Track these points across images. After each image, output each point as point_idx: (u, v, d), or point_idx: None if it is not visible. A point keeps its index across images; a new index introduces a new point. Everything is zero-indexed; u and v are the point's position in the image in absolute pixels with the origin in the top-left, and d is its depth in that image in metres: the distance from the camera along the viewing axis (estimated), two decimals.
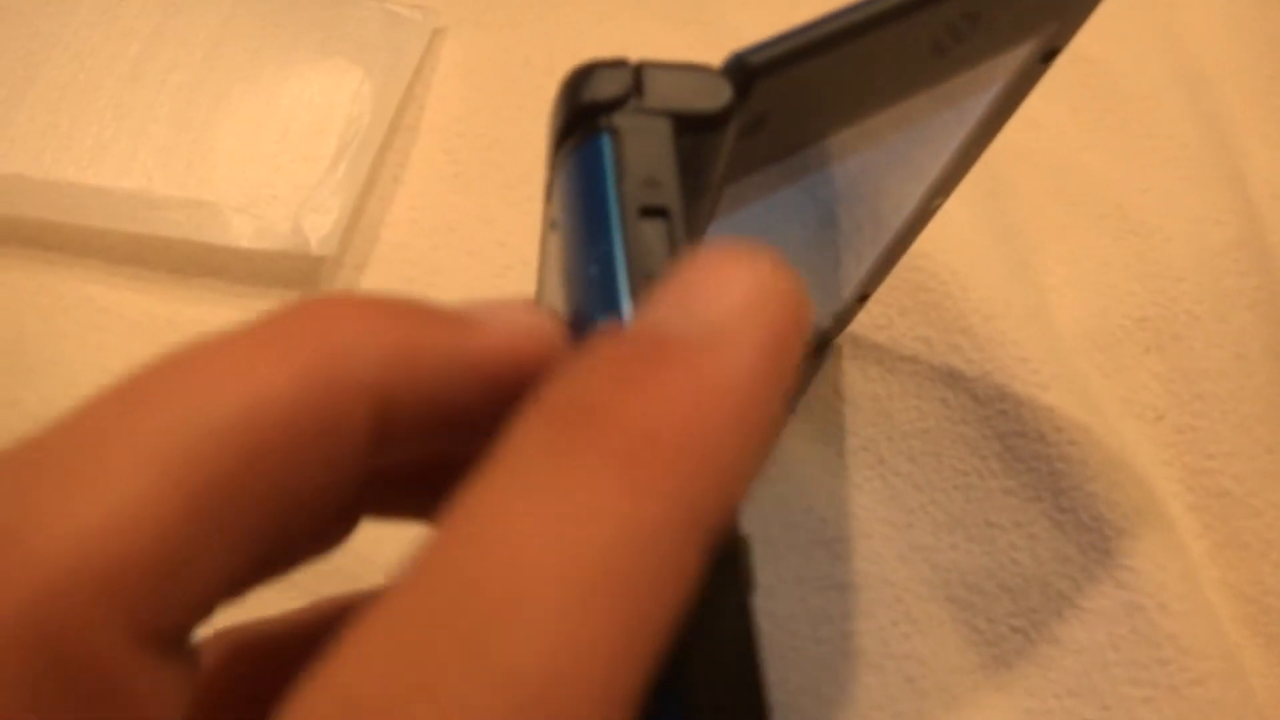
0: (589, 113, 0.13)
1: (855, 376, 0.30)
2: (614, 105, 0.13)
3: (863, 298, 0.29)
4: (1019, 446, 0.28)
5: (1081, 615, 0.26)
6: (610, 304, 0.13)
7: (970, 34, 0.17)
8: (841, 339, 0.31)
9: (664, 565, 0.10)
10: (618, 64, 0.14)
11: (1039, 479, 0.28)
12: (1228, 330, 0.31)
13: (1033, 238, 0.33)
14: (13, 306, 0.29)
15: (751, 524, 0.28)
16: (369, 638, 0.10)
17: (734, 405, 0.11)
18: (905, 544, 0.28)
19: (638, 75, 0.14)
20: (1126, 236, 0.33)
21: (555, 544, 0.10)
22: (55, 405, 0.27)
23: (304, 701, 0.09)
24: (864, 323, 0.30)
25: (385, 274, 0.30)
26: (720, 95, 0.14)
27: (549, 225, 0.15)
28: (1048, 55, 0.20)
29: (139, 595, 0.10)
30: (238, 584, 0.12)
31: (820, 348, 0.30)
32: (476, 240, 0.31)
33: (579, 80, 0.14)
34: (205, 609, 0.11)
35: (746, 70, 0.14)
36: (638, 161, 0.13)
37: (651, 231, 0.13)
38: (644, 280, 0.12)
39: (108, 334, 0.28)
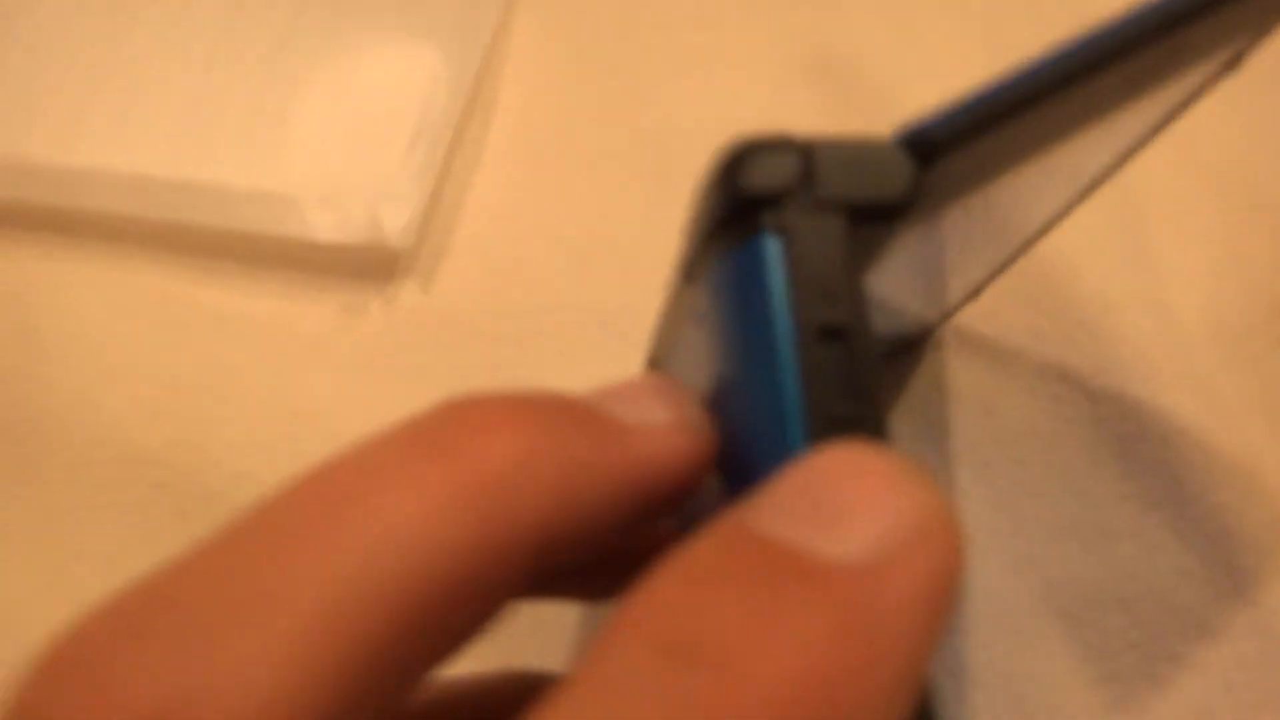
0: (752, 206, 0.11)
1: (959, 371, 0.28)
2: (781, 197, 0.11)
3: (973, 295, 0.27)
4: (1138, 450, 0.26)
5: (1204, 633, 0.25)
6: (779, 445, 0.11)
7: (1166, 66, 0.15)
8: (945, 329, 0.29)
9: None
10: (783, 142, 0.12)
11: (1160, 485, 0.26)
12: None
13: (1155, 216, 0.30)
14: (94, 302, 0.28)
15: None
16: None
17: (892, 661, 0.09)
18: (1013, 554, 0.26)
19: (807, 158, 0.12)
20: (1259, 215, 0.30)
21: None
22: (143, 407, 0.27)
23: None
24: (970, 312, 0.29)
25: (465, 264, 0.29)
26: (901, 178, 0.12)
27: (689, 315, 0.14)
28: (1232, 62, 0.18)
29: None
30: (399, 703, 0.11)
31: (922, 340, 0.29)
32: (557, 225, 0.30)
33: (738, 163, 0.12)
34: None
35: (931, 145, 0.12)
36: (812, 270, 0.11)
37: (828, 357, 0.11)
38: (820, 418, 0.11)
39: (188, 331, 0.28)
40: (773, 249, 0.11)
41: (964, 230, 0.21)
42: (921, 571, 0.09)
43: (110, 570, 0.25)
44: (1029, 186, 0.20)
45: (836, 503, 0.10)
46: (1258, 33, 0.17)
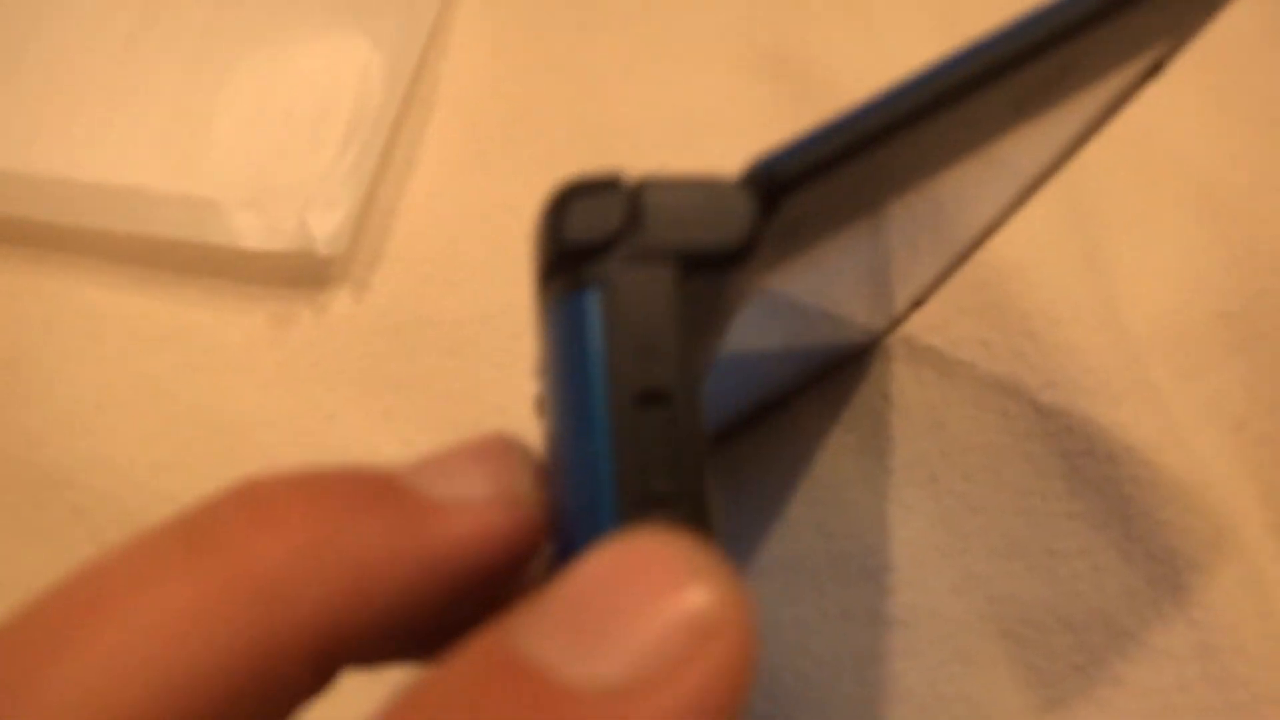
0: (574, 255, 0.11)
1: (907, 382, 0.28)
2: (603, 246, 0.11)
3: (918, 303, 0.26)
4: (1085, 466, 0.26)
5: (1148, 654, 0.25)
6: (589, 526, 0.10)
7: (1060, 81, 0.14)
8: (892, 339, 0.28)
9: None
10: (609, 184, 0.11)
11: (1107, 503, 0.26)
12: None
13: (1107, 221, 0.30)
14: (8, 314, 0.27)
15: (793, 552, 0.26)
16: None
17: None
18: (958, 573, 0.26)
19: (634, 201, 0.11)
20: (1213, 219, 0.30)
21: None
22: (60, 427, 0.26)
23: None
24: (919, 323, 0.28)
25: (400, 271, 0.28)
26: (739, 222, 0.11)
27: (538, 368, 0.13)
28: (1153, 70, 0.17)
29: None
30: None
31: (869, 349, 0.28)
32: (500, 232, 0.29)
33: (560, 208, 0.11)
34: None
35: (774, 184, 0.11)
36: (632, 327, 0.10)
37: (646, 424, 0.10)
38: (632, 495, 0.10)
39: (109, 344, 0.27)
40: (591, 304, 0.11)
41: (912, 234, 0.21)
42: (691, 685, 0.09)
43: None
44: (970, 185, 0.19)
45: (602, 616, 0.09)
46: (1174, 42, 0.16)
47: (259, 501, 0.11)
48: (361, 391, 0.27)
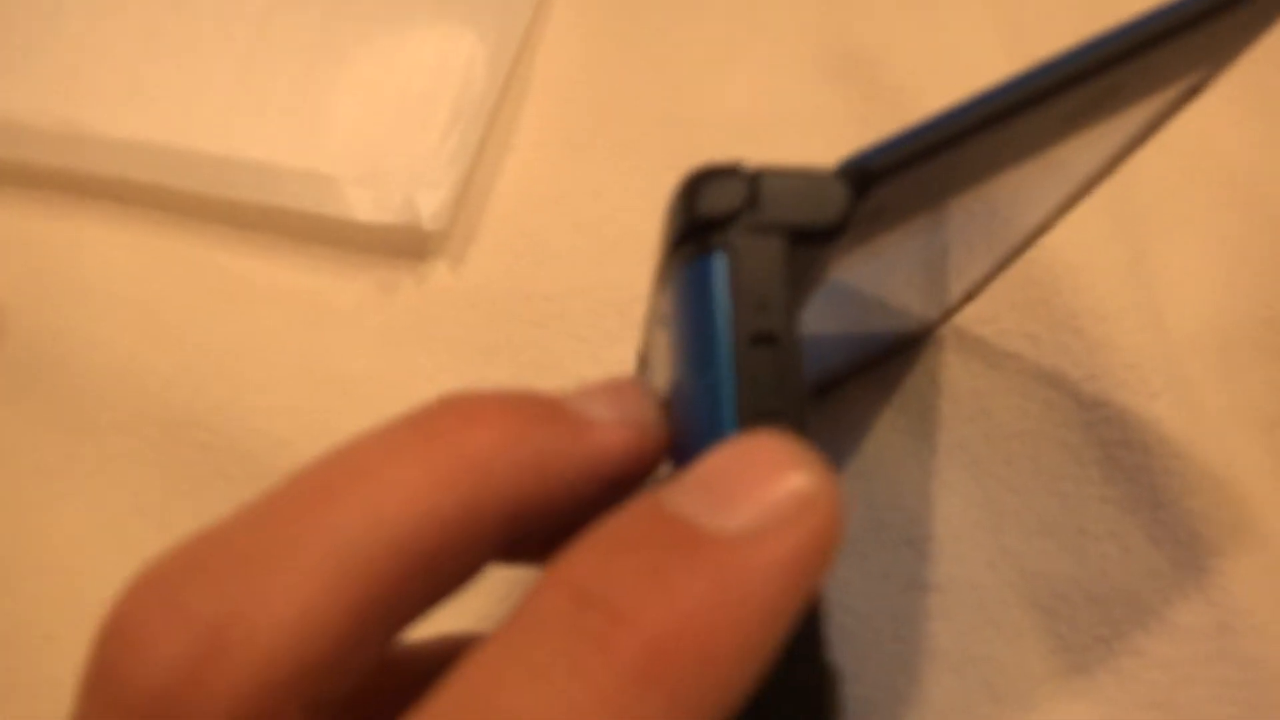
0: (704, 226, 0.14)
1: (956, 370, 0.30)
2: (728, 219, 0.13)
3: (970, 296, 0.28)
4: (1121, 456, 0.28)
5: (1168, 630, 0.27)
6: (714, 434, 0.13)
7: (1109, 99, 0.16)
8: (945, 329, 0.30)
9: None
10: (732, 171, 0.14)
11: (1138, 491, 0.28)
12: None
13: (1154, 226, 0.31)
14: (145, 269, 0.30)
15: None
16: None
17: (755, 614, 0.11)
18: (995, 548, 0.28)
19: (753, 185, 0.14)
20: (1260, 227, 0.31)
21: None
22: (190, 372, 0.29)
23: None
24: (970, 315, 0.30)
25: (493, 246, 0.31)
26: (836, 205, 0.14)
27: (659, 318, 0.16)
28: (1193, 92, 0.19)
29: (314, 682, 0.12)
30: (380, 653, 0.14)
31: (922, 338, 0.30)
32: (585, 214, 0.32)
33: (694, 189, 0.14)
34: (354, 679, 0.13)
35: (866, 175, 0.14)
36: (750, 283, 0.13)
37: (760, 359, 0.13)
38: (748, 411, 0.13)
39: (235, 302, 0.30)
40: (719, 265, 0.13)
41: (967, 231, 0.23)
42: (792, 542, 0.11)
43: (160, 524, 0.27)
44: (1022, 189, 0.21)
45: (730, 485, 0.12)
46: (1213, 67, 0.18)
47: (466, 406, 0.14)
48: (456, 357, 0.30)
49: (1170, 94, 0.18)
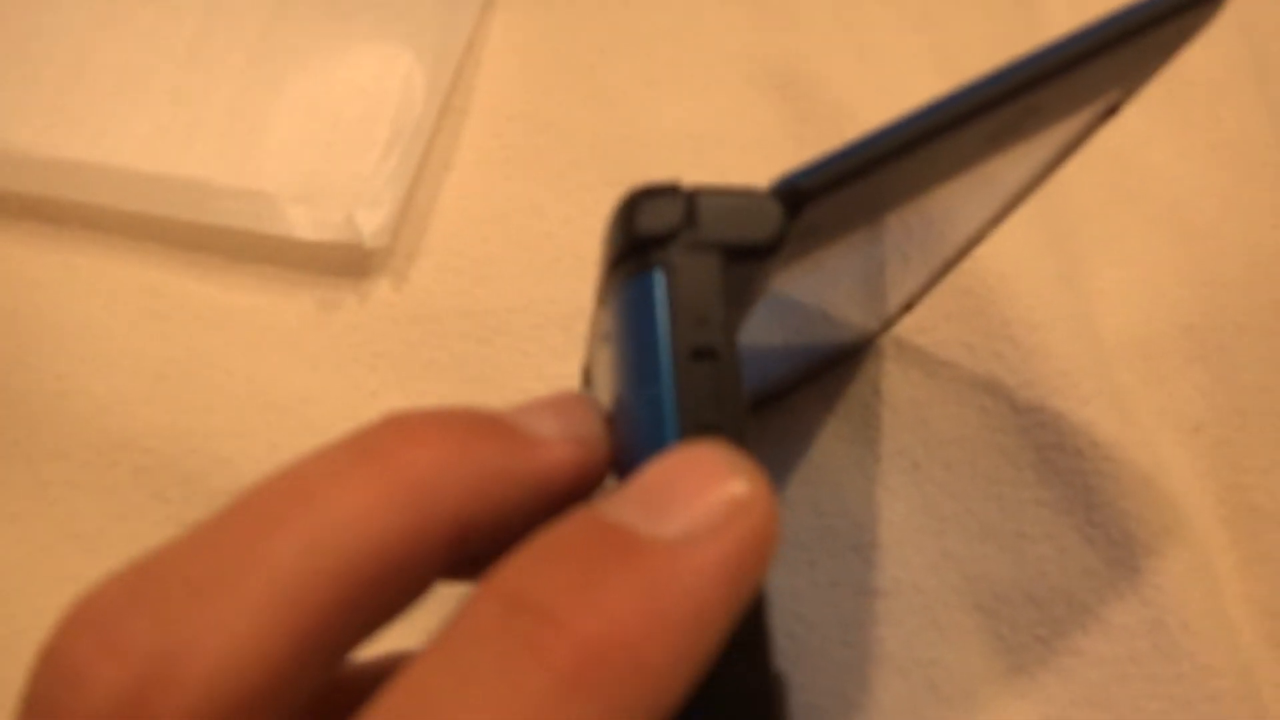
0: (643, 244, 0.14)
1: (896, 379, 0.30)
2: (667, 238, 0.14)
3: (908, 307, 0.29)
4: (1055, 459, 0.29)
5: (1104, 628, 0.27)
6: (655, 446, 0.13)
7: (1030, 120, 0.17)
8: (885, 339, 0.31)
9: None
10: (670, 190, 0.14)
11: (1073, 493, 0.28)
12: (1275, 344, 0.31)
13: (1085, 238, 0.33)
14: (78, 291, 0.30)
15: (788, 527, 0.29)
16: None
17: (688, 619, 0.11)
18: (937, 552, 0.28)
19: (690, 205, 0.14)
20: (1181, 240, 0.33)
21: None
22: (124, 394, 0.28)
23: None
24: (908, 325, 0.31)
25: (435, 265, 0.31)
26: (771, 223, 0.14)
27: (600, 335, 0.16)
28: (1110, 112, 0.20)
29: (260, 711, 0.12)
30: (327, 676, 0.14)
31: (863, 348, 0.31)
32: (526, 231, 0.32)
33: (632, 208, 0.14)
34: (300, 703, 0.13)
35: (799, 194, 0.14)
36: (689, 300, 0.14)
37: (700, 374, 0.13)
38: (689, 424, 0.13)
39: (170, 322, 0.29)
40: (658, 281, 0.14)
41: (903, 244, 0.23)
42: (725, 546, 0.12)
43: (95, 549, 0.27)
44: (954, 203, 0.22)
45: (666, 493, 0.12)
46: (1129, 88, 0.19)
47: (408, 425, 0.14)
48: (400, 373, 0.29)
49: (1089, 114, 0.19)
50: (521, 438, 0.15)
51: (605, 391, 0.16)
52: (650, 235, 0.14)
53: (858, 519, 0.29)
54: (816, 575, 0.28)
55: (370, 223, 0.29)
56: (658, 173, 0.33)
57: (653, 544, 0.12)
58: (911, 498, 0.29)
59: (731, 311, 0.14)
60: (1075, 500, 0.28)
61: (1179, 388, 0.31)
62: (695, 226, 0.14)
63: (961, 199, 0.21)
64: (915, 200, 0.18)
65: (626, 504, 0.12)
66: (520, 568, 0.12)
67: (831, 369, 0.31)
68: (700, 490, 0.12)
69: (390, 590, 0.13)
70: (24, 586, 0.26)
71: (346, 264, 0.31)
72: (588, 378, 0.21)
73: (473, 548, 0.14)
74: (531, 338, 0.30)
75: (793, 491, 0.29)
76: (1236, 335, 0.31)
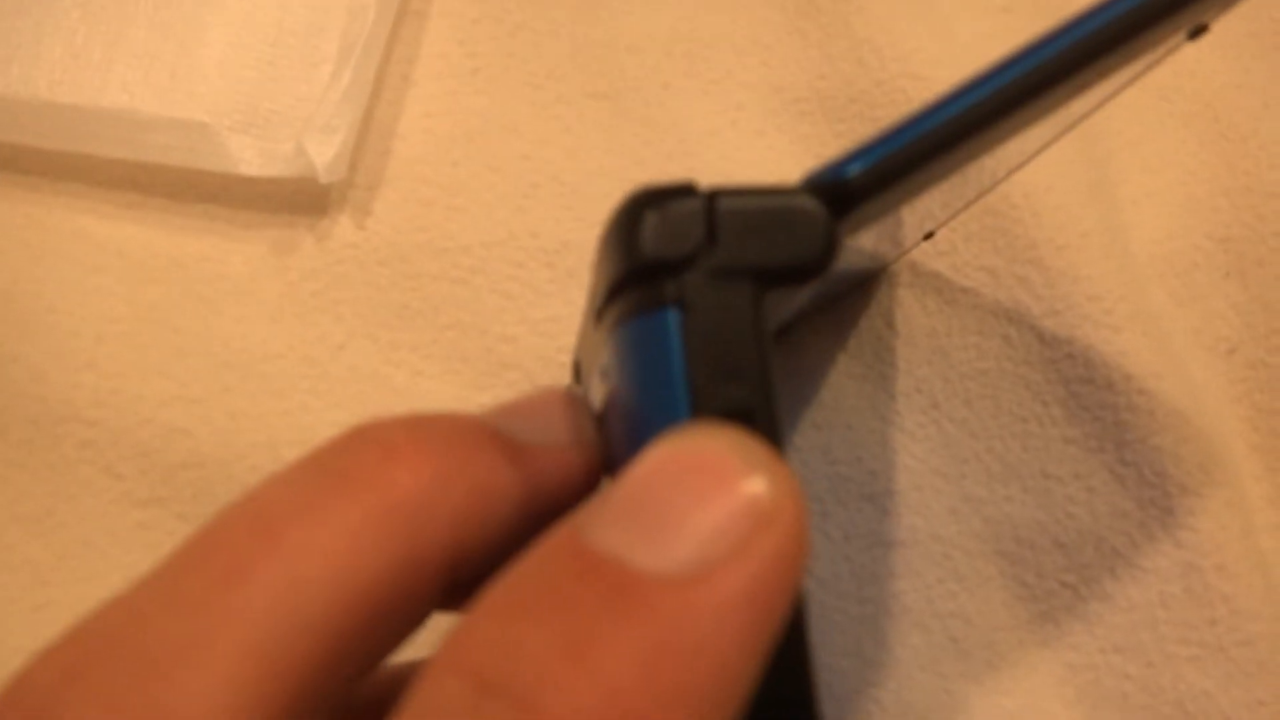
0: (651, 270, 0.11)
1: (911, 308, 0.28)
2: (682, 263, 0.11)
3: (928, 235, 0.26)
4: (1084, 393, 0.27)
5: (1135, 573, 0.26)
6: None
7: (1116, 64, 0.14)
8: (898, 264, 0.28)
9: None
10: (684, 193, 0.11)
11: (1103, 429, 0.26)
12: None
13: (1114, 146, 0.30)
14: (3, 244, 0.26)
15: (799, 476, 0.27)
16: None
17: (706, 683, 0.09)
18: (957, 496, 0.27)
19: (710, 215, 0.11)
20: (1216, 141, 0.30)
21: None
22: (61, 360, 0.25)
23: None
24: (924, 247, 0.28)
25: (400, 195, 0.28)
26: (814, 235, 0.11)
27: (599, 366, 0.13)
28: (1199, 30, 0.17)
29: None
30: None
31: (875, 275, 0.28)
32: (500, 152, 0.28)
33: (637, 219, 0.11)
34: None
35: (848, 192, 0.11)
36: (714, 347, 0.10)
37: None
38: None
39: (108, 275, 0.26)
40: (673, 323, 0.11)
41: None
42: (749, 576, 0.09)
43: (45, 532, 0.24)
44: (1008, 146, 0.19)
45: (665, 506, 0.10)
46: (1224, 5, 0.16)
47: (386, 441, 0.12)
48: (368, 321, 0.27)
49: (1176, 36, 0.16)
50: (513, 446, 0.13)
51: (604, 428, 0.13)
52: (661, 259, 0.11)
53: (872, 465, 0.27)
54: (829, 528, 0.26)
55: (324, 153, 0.26)
56: (645, 81, 0.30)
57: (654, 583, 0.09)
58: (930, 439, 0.27)
59: (768, 353, 0.11)
60: (1106, 437, 0.26)
61: (1214, 305, 0.29)
62: (717, 245, 0.11)
63: (1023, 136, 0.18)
64: (970, 167, 0.15)
65: (616, 525, 0.10)
66: (486, 634, 0.09)
67: (841, 299, 0.28)
68: (708, 498, 0.09)
69: (379, 633, 0.11)
70: None
71: (300, 200, 0.27)
72: (578, 373, 0.18)
73: (469, 574, 0.12)
74: (513, 277, 0.27)
75: (801, 437, 0.27)
76: (1277, 248, 0.29)
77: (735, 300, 0.11)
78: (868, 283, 0.28)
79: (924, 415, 0.27)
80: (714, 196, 0.11)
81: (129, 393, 0.25)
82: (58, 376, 0.25)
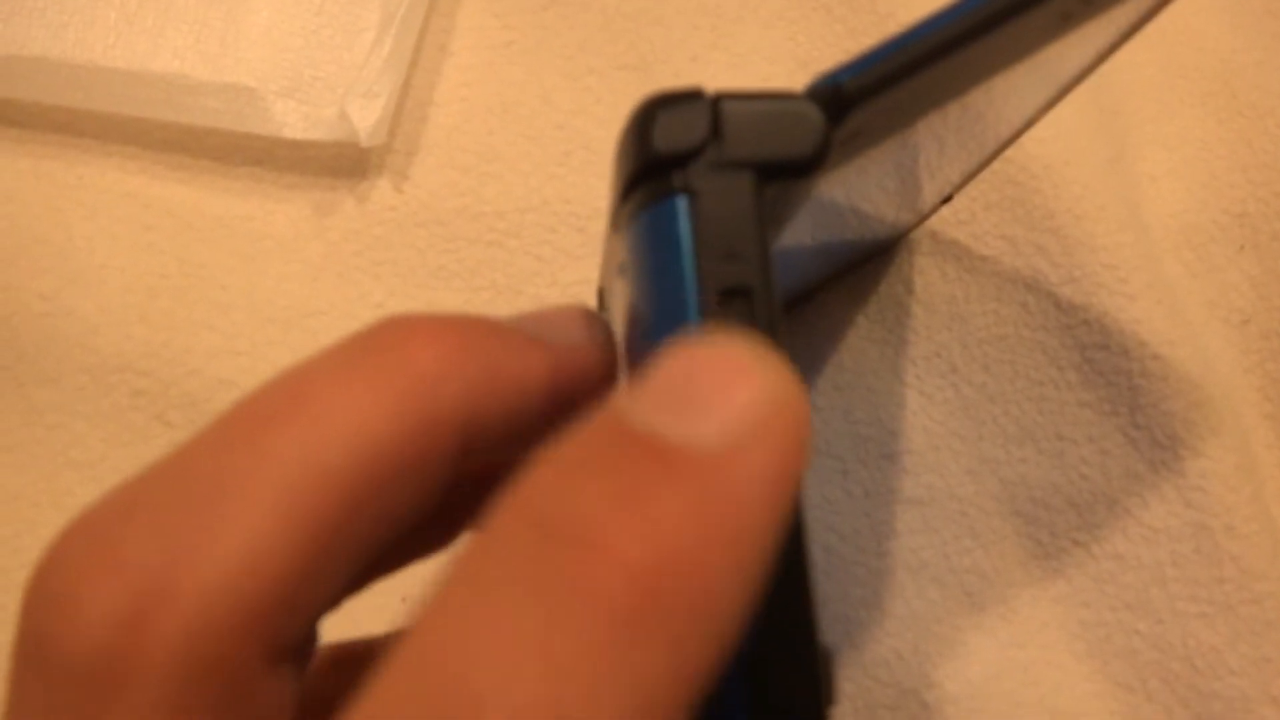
0: (661, 165, 0.12)
1: (931, 275, 0.29)
2: (689, 156, 0.12)
3: (946, 199, 0.27)
4: (1099, 359, 0.27)
5: (1146, 532, 0.27)
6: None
7: None
8: (919, 232, 0.29)
9: None
10: (692, 97, 0.12)
11: (1117, 393, 0.27)
12: None
13: (1132, 119, 0.30)
14: (55, 202, 0.28)
15: (819, 435, 0.28)
16: None
17: (746, 538, 0.10)
18: (974, 457, 0.27)
19: (715, 115, 0.12)
20: (1233, 118, 0.30)
21: (522, 698, 0.09)
22: (114, 314, 0.27)
23: None
24: (944, 216, 0.29)
25: (437, 161, 0.29)
26: (810, 134, 0.12)
27: (616, 267, 0.14)
28: None
29: (269, 621, 0.11)
30: (348, 591, 0.13)
31: (895, 242, 0.29)
32: (534, 121, 0.29)
33: (648, 121, 0.12)
34: (319, 619, 0.13)
35: (842, 98, 0.12)
36: (717, 231, 0.12)
37: (733, 317, 0.12)
38: None
39: (158, 233, 0.27)
40: (680, 209, 0.12)
41: (939, 135, 0.21)
42: (771, 453, 0.10)
43: (99, 477, 0.25)
44: (1006, 91, 0.20)
45: (695, 391, 0.11)
46: None
47: (410, 323, 0.13)
48: (406, 282, 0.28)
49: None
50: (526, 338, 0.14)
51: (621, 326, 0.14)
52: (670, 154, 0.12)
53: (891, 425, 0.28)
54: (849, 485, 0.27)
55: (365, 118, 0.27)
56: (676, 52, 0.30)
57: (697, 452, 0.10)
58: (948, 401, 0.28)
59: (767, 239, 0.12)
60: (1119, 401, 0.27)
61: (1229, 278, 0.29)
62: (722, 141, 0.12)
63: (1015, 85, 0.19)
64: (972, 90, 0.15)
65: (651, 406, 0.11)
66: (548, 484, 0.10)
67: (861, 265, 0.29)
68: (731, 387, 0.11)
69: (398, 493, 0.12)
70: (28, 516, 0.25)
71: (342, 164, 0.28)
72: (602, 301, 0.19)
73: (478, 455, 0.13)
74: (545, 241, 0.28)
75: (823, 398, 0.28)
76: None
77: (738, 189, 0.12)
78: (889, 249, 0.29)
79: (943, 379, 0.28)
80: (719, 99, 0.12)
81: (178, 345, 0.26)
82: (111, 329, 0.26)
